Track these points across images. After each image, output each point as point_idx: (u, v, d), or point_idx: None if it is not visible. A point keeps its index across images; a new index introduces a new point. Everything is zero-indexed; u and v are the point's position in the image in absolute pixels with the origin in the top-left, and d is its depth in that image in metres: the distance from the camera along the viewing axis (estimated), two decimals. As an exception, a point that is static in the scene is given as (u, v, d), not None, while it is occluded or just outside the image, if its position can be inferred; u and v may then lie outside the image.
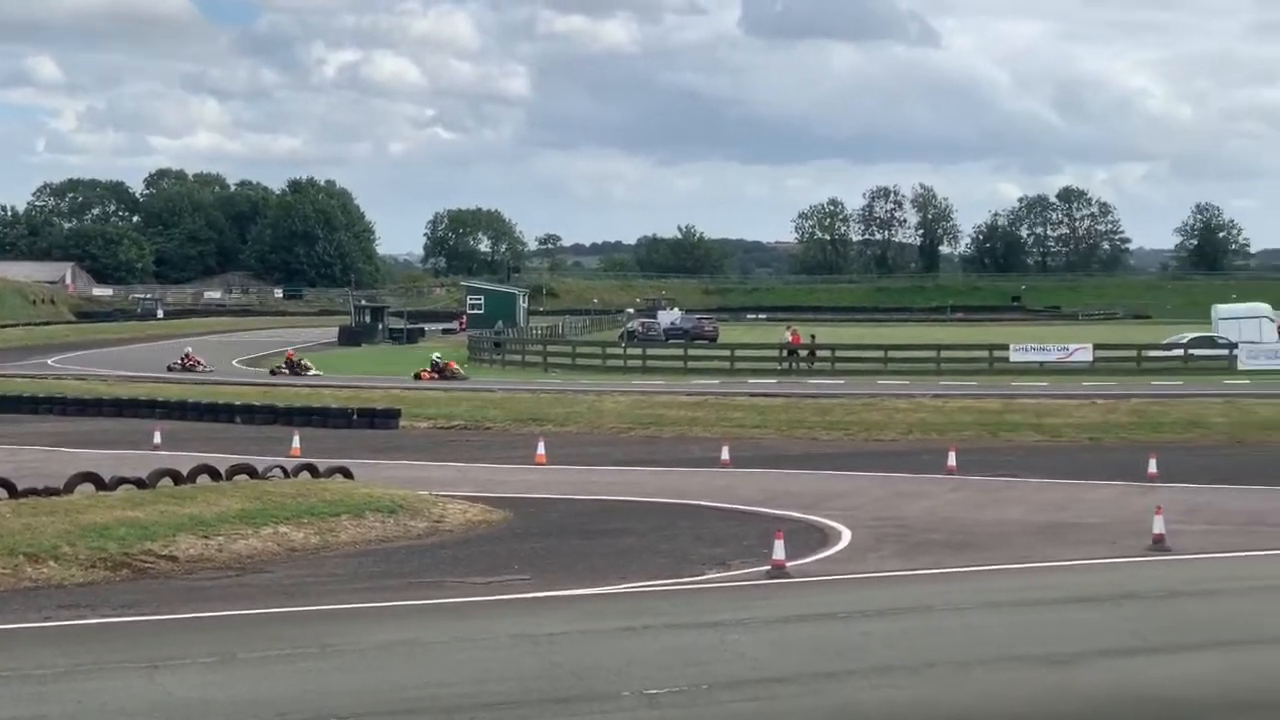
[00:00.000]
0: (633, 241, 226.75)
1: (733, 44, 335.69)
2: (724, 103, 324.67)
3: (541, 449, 34.42)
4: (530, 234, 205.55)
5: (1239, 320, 76.46)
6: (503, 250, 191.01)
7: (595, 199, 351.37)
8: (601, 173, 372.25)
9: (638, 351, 70.80)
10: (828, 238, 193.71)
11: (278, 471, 26.50)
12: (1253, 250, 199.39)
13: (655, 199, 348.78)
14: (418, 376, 59.30)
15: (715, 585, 19.15)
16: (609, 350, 72.05)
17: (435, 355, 63.65)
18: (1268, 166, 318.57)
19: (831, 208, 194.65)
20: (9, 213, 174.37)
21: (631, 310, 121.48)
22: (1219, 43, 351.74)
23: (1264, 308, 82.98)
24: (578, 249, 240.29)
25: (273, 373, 62.80)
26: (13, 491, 22.91)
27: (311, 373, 62.49)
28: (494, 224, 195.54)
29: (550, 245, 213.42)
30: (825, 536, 23.13)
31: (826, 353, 67.87)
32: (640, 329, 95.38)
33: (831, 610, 16.85)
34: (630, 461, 34.78)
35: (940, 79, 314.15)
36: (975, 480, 30.38)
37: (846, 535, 23.12)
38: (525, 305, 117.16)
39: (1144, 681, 13.49)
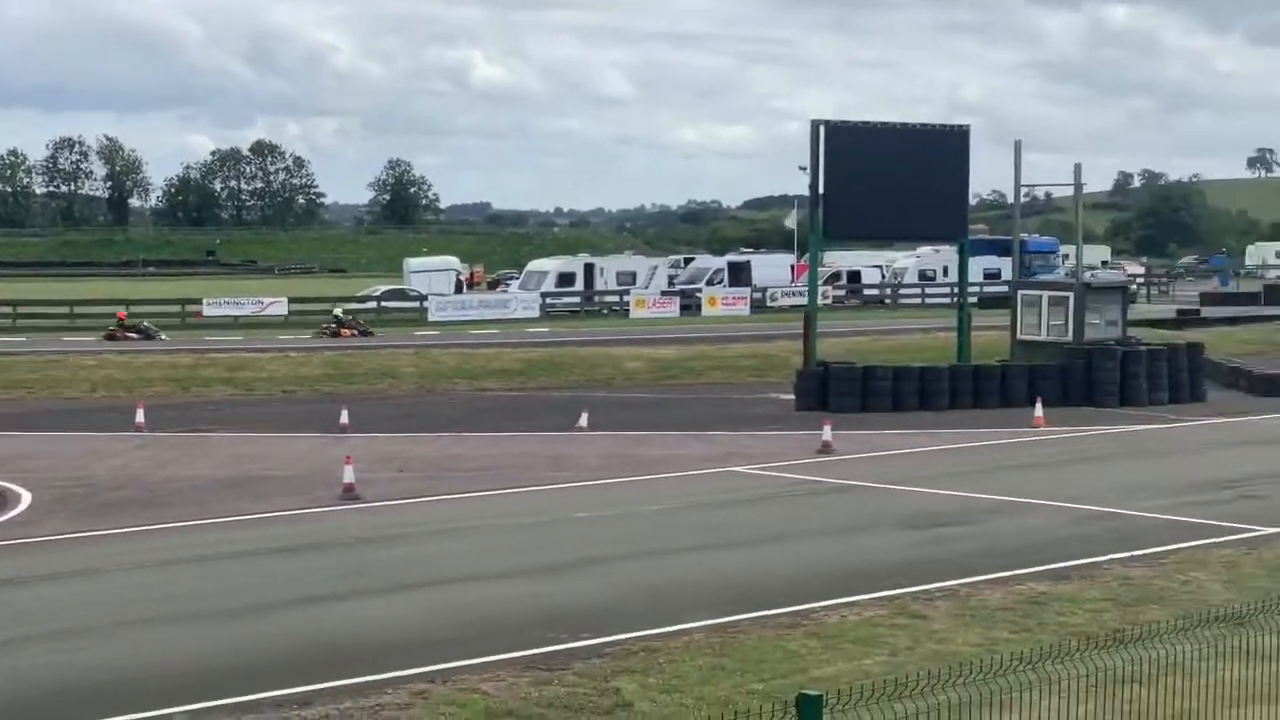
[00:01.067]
0: None
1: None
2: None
3: None
4: None
5: (430, 273, 79.30)
6: None
7: None
8: None
9: None
10: (9, 190, 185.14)
11: None
12: (443, 205, 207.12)
13: None
14: (335, 334, 53.75)
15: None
16: None
17: (338, 310, 58.06)
18: (454, 125, 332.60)
19: (13, 158, 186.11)
20: None
21: None
22: (404, 2, 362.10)
23: (453, 261, 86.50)
24: None
25: None
26: None
27: None
28: None
29: None
30: (4, 500, 21.96)
31: (7, 309, 64.89)
32: None
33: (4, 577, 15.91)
34: None
35: (126, 27, 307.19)
36: (166, 437, 29.71)
37: (26, 498, 22.03)
38: None
39: (331, 627, 13.49)
